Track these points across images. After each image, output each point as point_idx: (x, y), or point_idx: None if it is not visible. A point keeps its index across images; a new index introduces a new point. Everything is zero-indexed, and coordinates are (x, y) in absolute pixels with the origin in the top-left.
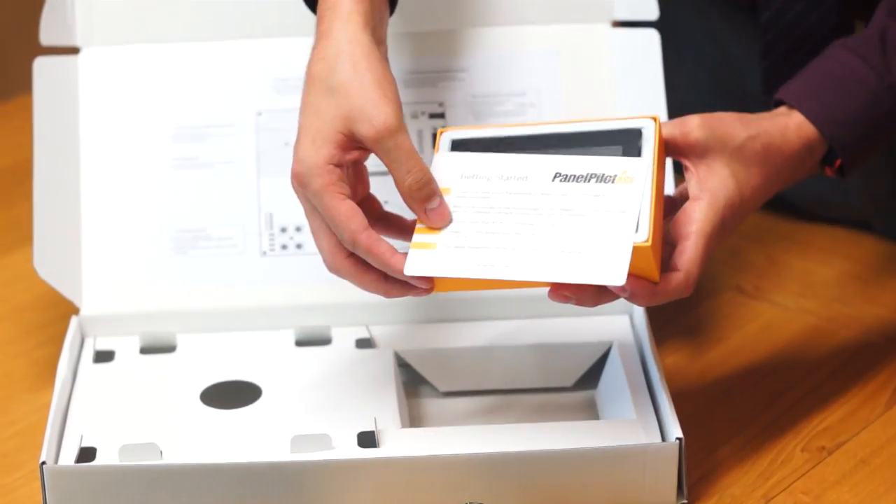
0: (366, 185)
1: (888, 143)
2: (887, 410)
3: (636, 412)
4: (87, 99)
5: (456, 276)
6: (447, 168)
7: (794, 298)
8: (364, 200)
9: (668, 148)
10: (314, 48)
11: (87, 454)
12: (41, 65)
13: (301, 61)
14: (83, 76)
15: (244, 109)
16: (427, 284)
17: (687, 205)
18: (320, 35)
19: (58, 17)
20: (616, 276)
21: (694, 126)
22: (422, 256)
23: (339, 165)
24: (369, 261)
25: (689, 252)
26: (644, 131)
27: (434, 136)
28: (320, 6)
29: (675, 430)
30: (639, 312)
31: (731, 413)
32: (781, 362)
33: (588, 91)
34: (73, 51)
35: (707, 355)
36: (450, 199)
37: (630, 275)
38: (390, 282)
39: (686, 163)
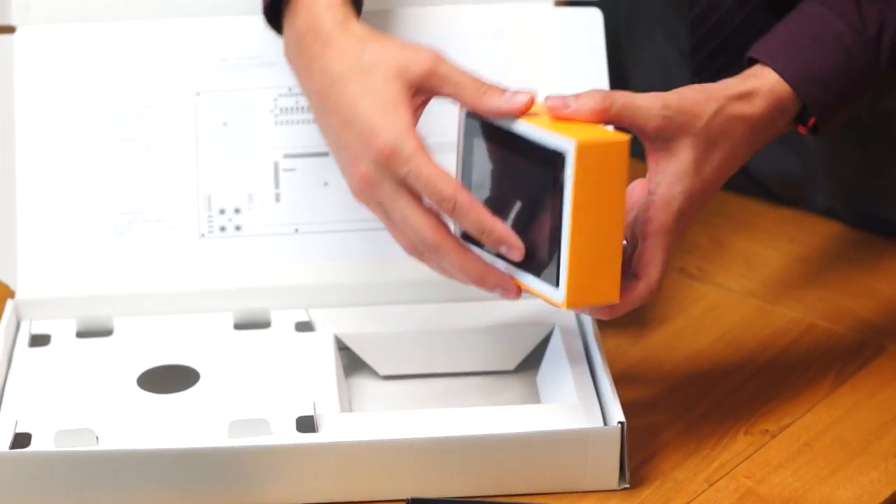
0: None
1: (863, 99)
2: (831, 393)
3: (578, 396)
4: (23, 78)
5: None
6: None
7: (738, 280)
8: None
9: (632, 132)
10: (322, 56)
11: (21, 440)
12: None
13: (243, 41)
14: (19, 55)
15: (183, 89)
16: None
17: (647, 201)
18: (323, 43)
19: None
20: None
21: (656, 113)
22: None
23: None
24: (466, 223)
25: (648, 255)
26: (567, 157)
27: None
28: (293, 16)
29: (617, 414)
30: None
31: (673, 396)
32: (725, 345)
33: (531, 71)
34: (9, 29)
35: (650, 338)
36: None
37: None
38: (489, 267)
39: (647, 150)
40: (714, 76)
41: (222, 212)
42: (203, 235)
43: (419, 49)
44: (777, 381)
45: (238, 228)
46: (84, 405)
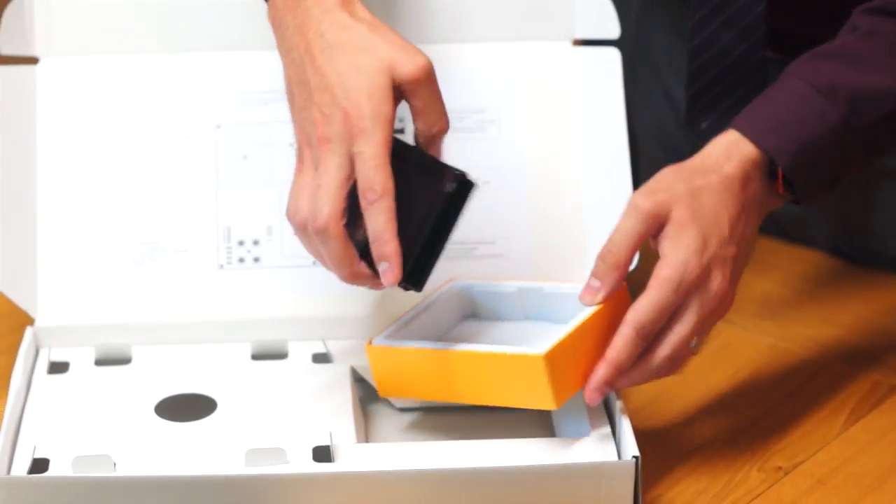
0: None
1: (848, 175)
2: (844, 431)
3: (593, 430)
4: (46, 109)
5: None
6: None
7: (752, 319)
8: None
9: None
10: (321, 20)
11: (39, 465)
12: None
13: (264, 75)
14: (41, 86)
15: (204, 122)
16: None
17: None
18: (324, 10)
19: (17, 26)
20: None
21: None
22: None
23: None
24: (374, 220)
25: (615, 338)
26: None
27: None
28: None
29: (631, 449)
30: None
31: (687, 432)
32: (739, 382)
33: (548, 109)
34: (32, 61)
35: None
36: None
37: None
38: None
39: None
40: (708, 106)
41: (241, 243)
42: (222, 266)
43: (418, 53)
44: (790, 418)
45: (256, 260)
46: (102, 432)
